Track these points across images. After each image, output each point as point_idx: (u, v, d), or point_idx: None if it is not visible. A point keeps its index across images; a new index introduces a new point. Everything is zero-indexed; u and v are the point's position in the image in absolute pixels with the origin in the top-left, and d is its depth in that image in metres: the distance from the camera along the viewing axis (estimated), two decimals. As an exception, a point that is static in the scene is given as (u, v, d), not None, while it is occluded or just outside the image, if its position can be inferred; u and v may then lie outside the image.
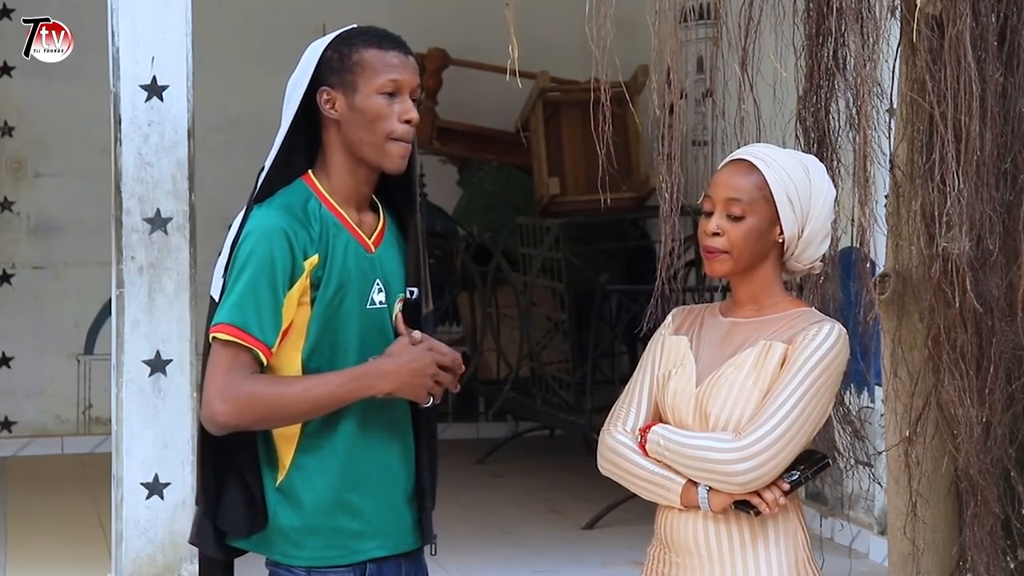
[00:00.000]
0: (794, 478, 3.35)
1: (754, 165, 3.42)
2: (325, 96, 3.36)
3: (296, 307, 3.30)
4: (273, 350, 3.28)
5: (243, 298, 3.26)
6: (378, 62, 3.36)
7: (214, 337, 3.27)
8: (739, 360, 3.40)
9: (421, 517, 3.46)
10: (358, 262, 3.35)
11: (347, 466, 3.34)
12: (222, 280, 3.33)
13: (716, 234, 3.41)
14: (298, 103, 3.36)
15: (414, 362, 3.31)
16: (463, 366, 3.37)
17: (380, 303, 3.38)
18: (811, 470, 3.39)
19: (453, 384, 3.35)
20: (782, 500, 3.35)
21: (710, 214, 3.44)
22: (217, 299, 3.33)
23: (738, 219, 3.40)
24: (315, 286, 3.31)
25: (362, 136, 3.36)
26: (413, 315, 3.44)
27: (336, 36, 3.40)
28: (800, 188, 3.41)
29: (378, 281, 3.38)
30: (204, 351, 3.38)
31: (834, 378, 3.38)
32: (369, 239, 3.39)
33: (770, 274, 3.45)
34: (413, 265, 3.45)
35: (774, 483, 3.34)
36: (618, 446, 3.46)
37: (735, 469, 3.30)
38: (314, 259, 3.30)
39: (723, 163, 3.51)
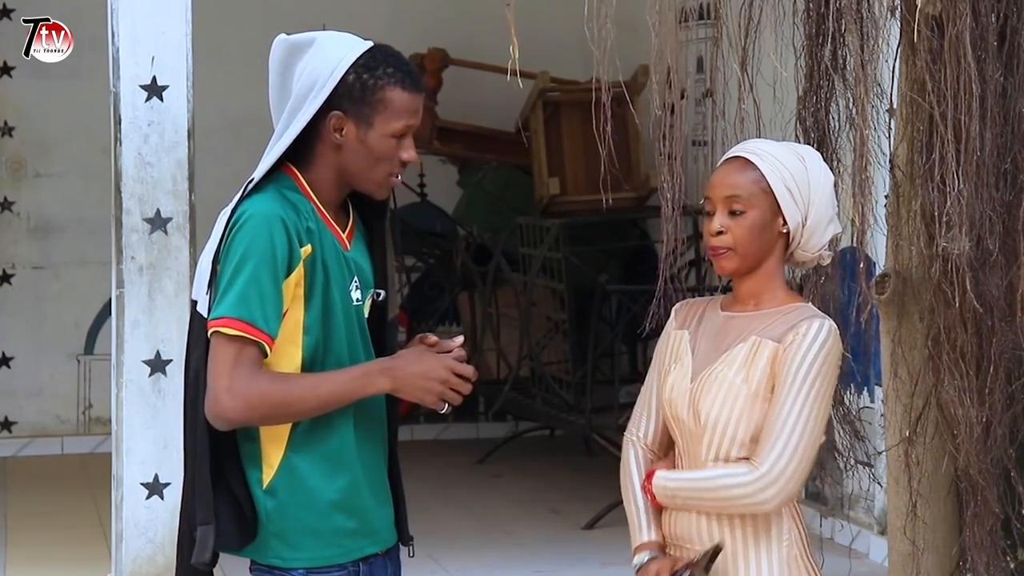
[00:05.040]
0: None
1: (749, 160, 3.43)
2: (335, 121, 3.31)
3: (291, 300, 3.28)
4: (276, 340, 3.26)
5: (246, 290, 3.22)
6: (401, 105, 3.32)
7: (217, 331, 3.23)
8: (731, 357, 3.40)
9: (398, 514, 3.48)
10: (337, 259, 3.34)
11: (340, 464, 3.33)
12: (210, 271, 3.28)
13: (720, 233, 3.43)
14: (307, 120, 3.29)
15: (422, 365, 3.29)
16: (474, 377, 3.34)
17: (357, 300, 3.38)
18: (702, 565, 3.40)
19: (466, 391, 3.32)
20: None
21: (711, 215, 3.45)
22: (207, 294, 3.27)
23: (740, 215, 3.41)
24: (308, 276, 3.29)
25: (362, 168, 3.34)
26: (379, 318, 3.44)
27: (360, 60, 3.31)
28: (798, 177, 3.42)
29: (355, 278, 3.38)
30: (188, 354, 3.35)
31: (832, 375, 3.38)
32: (343, 236, 3.39)
33: (773, 268, 3.46)
34: (380, 267, 3.46)
35: None
36: (626, 463, 3.54)
37: (762, 498, 3.33)
38: (308, 248, 3.28)
39: (719, 163, 3.52)
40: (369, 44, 3.35)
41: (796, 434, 3.32)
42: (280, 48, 3.37)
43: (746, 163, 3.44)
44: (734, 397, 3.37)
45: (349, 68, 3.30)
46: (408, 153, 3.35)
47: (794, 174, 3.42)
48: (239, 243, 3.24)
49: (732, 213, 3.42)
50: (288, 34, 3.41)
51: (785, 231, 3.43)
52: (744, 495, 3.33)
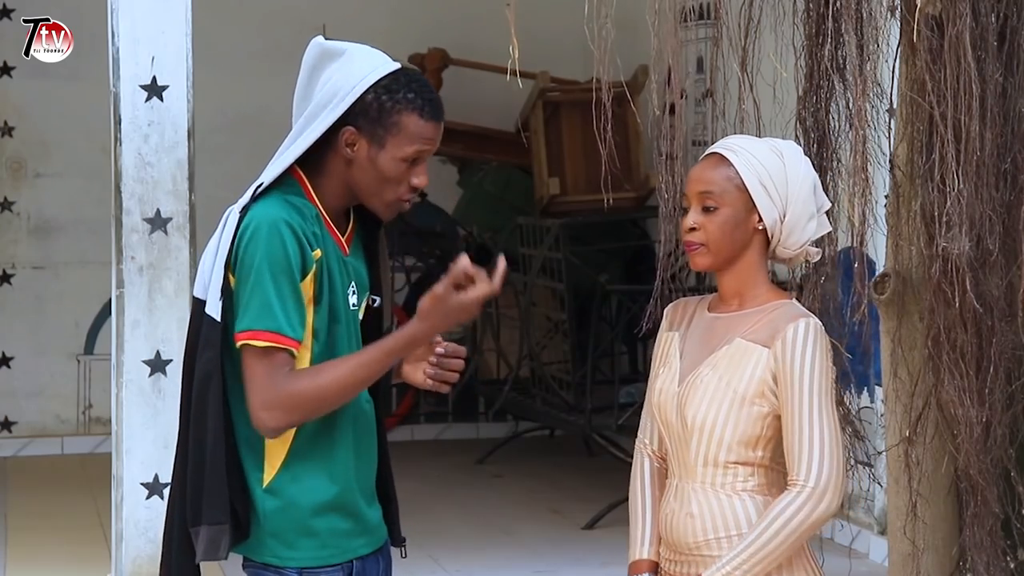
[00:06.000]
0: None
1: (724, 157, 3.42)
2: (348, 136, 3.33)
3: (306, 303, 3.29)
4: (302, 342, 3.28)
5: (268, 300, 3.24)
6: (415, 131, 3.33)
7: (247, 344, 3.25)
8: (715, 359, 3.40)
9: (388, 513, 3.51)
10: (338, 263, 3.36)
11: (338, 466, 3.36)
12: (222, 275, 3.29)
13: (693, 229, 3.42)
14: (322, 131, 3.31)
15: (436, 306, 3.30)
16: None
17: (353, 305, 3.39)
18: None
19: (488, 290, 3.43)
20: None
21: (687, 210, 3.45)
22: (219, 300, 3.28)
23: (712, 211, 3.40)
24: (318, 280, 3.31)
25: (370, 186, 3.35)
26: (375, 325, 3.45)
27: (382, 81, 3.33)
28: (774, 173, 3.39)
29: (353, 283, 3.39)
30: (194, 354, 3.36)
31: (829, 369, 3.37)
32: (343, 240, 3.41)
33: (753, 265, 3.44)
34: (377, 273, 3.47)
35: None
36: (636, 473, 3.56)
37: (824, 509, 3.35)
38: (318, 252, 3.31)
39: (699, 159, 3.52)
40: (396, 66, 3.37)
41: (819, 436, 3.33)
42: (313, 50, 3.39)
43: (721, 159, 3.42)
44: (720, 400, 3.37)
45: (370, 87, 3.32)
46: (419, 179, 3.37)
47: (770, 170, 3.39)
48: (252, 253, 3.26)
49: (706, 209, 3.41)
50: (326, 38, 3.42)
51: (762, 228, 3.41)
52: (807, 517, 3.33)
